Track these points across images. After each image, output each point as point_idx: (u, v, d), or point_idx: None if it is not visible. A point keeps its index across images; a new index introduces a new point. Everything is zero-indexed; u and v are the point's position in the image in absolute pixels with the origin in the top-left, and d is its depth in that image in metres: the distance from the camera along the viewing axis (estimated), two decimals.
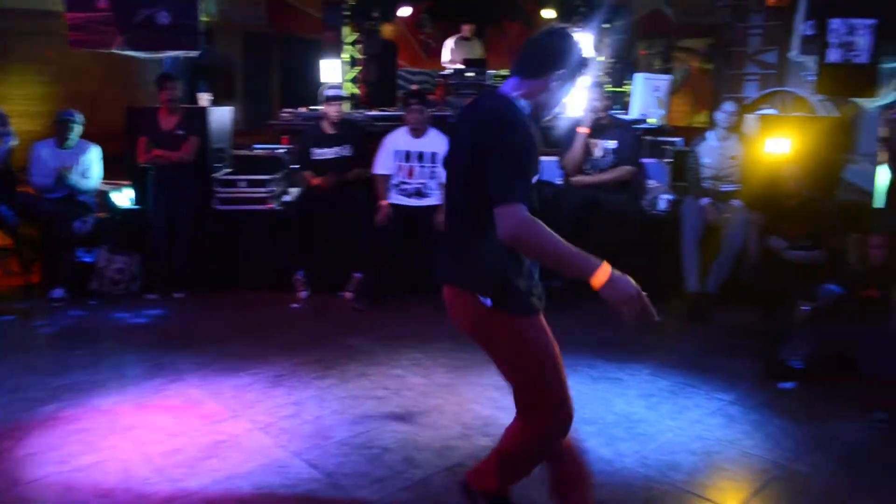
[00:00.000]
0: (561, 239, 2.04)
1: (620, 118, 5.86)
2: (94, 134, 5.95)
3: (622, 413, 3.56)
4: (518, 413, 2.33)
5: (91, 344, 4.53)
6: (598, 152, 5.32)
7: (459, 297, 2.29)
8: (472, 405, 3.62)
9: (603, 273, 2.02)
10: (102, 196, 5.88)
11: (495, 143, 2.12)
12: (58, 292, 5.39)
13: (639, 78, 6.82)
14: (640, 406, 3.65)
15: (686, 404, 3.67)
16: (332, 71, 8.09)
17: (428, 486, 2.89)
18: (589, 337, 4.59)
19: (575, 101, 5.15)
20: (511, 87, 2.27)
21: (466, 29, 9.36)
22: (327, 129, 5.60)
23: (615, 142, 5.30)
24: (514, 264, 2.20)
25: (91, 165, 5.75)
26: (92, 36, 6.52)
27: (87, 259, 5.71)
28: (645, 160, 5.86)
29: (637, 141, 5.59)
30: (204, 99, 6.43)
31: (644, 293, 2.03)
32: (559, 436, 2.30)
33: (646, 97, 6.64)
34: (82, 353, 4.36)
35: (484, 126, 2.18)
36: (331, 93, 5.61)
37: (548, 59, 2.24)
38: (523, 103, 2.25)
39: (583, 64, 2.27)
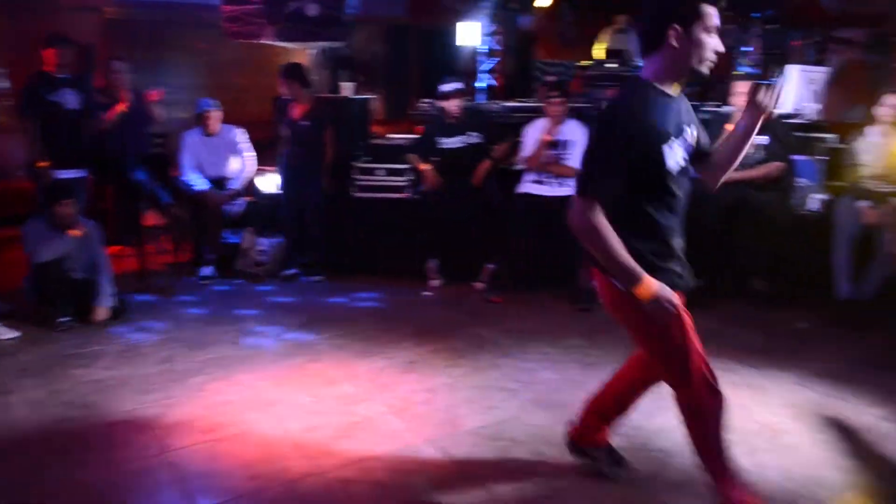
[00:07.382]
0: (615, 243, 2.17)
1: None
2: (242, 122, 6.25)
3: (764, 423, 3.38)
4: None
5: (234, 322, 4.76)
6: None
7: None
8: None
9: (647, 286, 2.19)
10: (249, 181, 6.16)
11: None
12: (206, 270, 5.70)
13: (793, 70, 6.43)
14: (784, 416, 3.45)
15: (834, 418, 3.44)
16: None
17: (558, 483, 2.85)
18: (729, 341, 4.38)
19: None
20: (644, 70, 2.29)
21: (621, 20, 9.07)
22: (451, 119, 5.58)
23: (766, 137, 5.03)
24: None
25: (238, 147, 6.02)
26: (245, 27, 6.85)
27: (233, 240, 6.03)
28: (796, 157, 5.53)
29: (789, 137, 5.28)
30: (347, 89, 6.60)
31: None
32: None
33: (800, 90, 6.26)
34: (226, 329, 4.60)
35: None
36: (447, 88, 5.50)
37: (655, 24, 2.22)
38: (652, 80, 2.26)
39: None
